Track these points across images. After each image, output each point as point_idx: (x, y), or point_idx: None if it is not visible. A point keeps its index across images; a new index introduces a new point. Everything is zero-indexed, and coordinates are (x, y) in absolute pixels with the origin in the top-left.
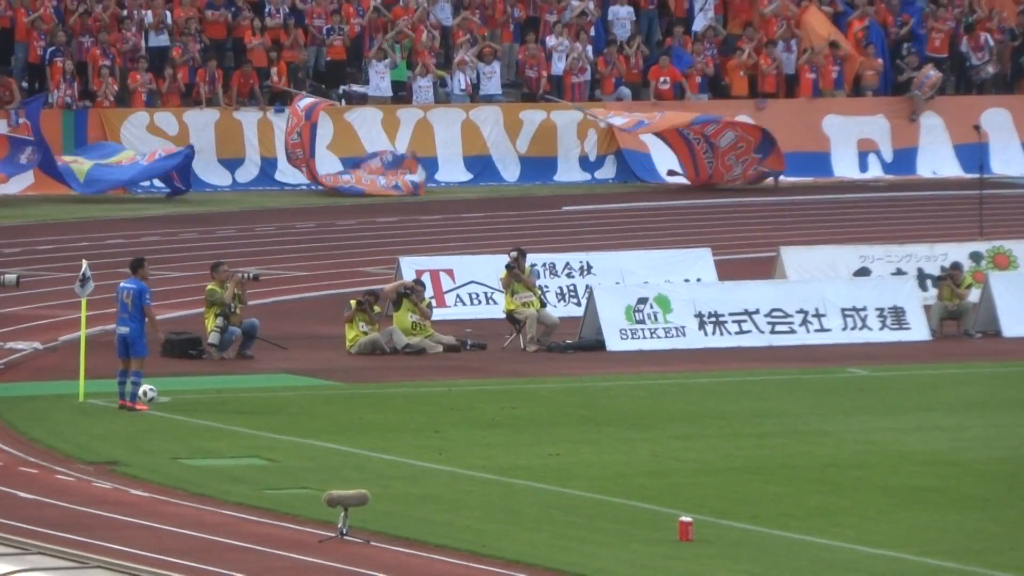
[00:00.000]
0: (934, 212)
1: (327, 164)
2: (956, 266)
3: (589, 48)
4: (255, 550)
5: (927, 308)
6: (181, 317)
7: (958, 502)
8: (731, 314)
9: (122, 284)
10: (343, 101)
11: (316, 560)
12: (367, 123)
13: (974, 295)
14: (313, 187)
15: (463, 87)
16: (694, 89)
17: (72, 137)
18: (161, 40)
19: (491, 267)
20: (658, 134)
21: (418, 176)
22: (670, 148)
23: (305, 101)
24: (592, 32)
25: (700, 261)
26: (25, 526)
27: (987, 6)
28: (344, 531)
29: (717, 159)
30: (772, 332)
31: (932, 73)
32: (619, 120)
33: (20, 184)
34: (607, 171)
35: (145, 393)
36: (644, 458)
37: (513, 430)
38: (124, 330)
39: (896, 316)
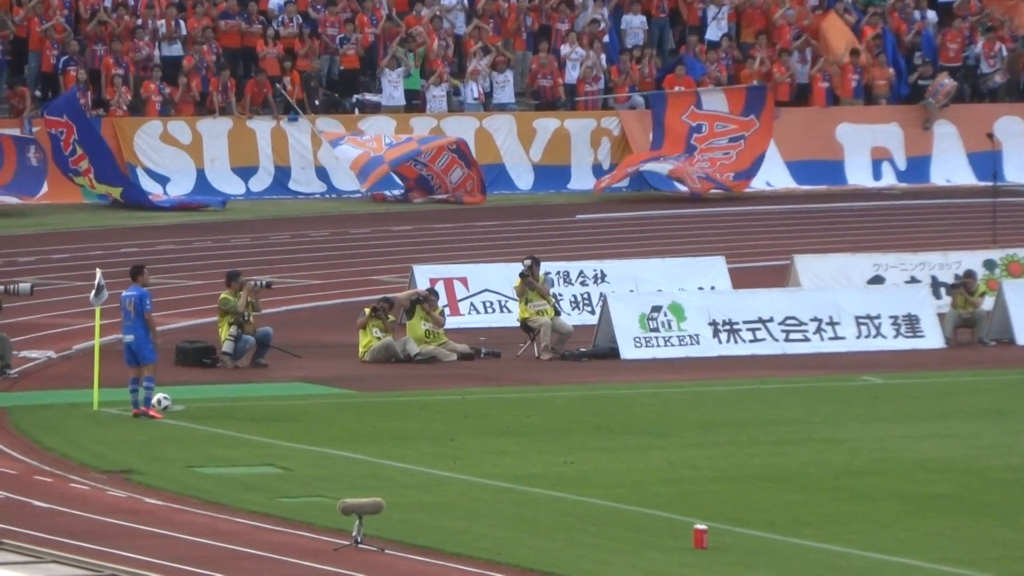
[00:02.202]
0: (948, 220)
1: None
2: (970, 274)
3: (603, 56)
4: (270, 558)
5: (941, 316)
6: (195, 326)
7: (973, 509)
8: (745, 322)
9: (124, 293)
10: (356, 110)
11: (331, 568)
12: (380, 132)
13: (988, 303)
14: (329, 196)
15: (476, 96)
16: None
17: None
18: (175, 50)
19: (505, 275)
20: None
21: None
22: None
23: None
24: (606, 39)
25: (714, 269)
26: (40, 535)
27: (1001, 13)
28: (359, 539)
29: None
30: (786, 340)
31: (947, 81)
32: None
33: (34, 192)
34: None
35: (159, 402)
36: (659, 466)
37: (528, 438)
38: (129, 338)
39: (910, 324)
